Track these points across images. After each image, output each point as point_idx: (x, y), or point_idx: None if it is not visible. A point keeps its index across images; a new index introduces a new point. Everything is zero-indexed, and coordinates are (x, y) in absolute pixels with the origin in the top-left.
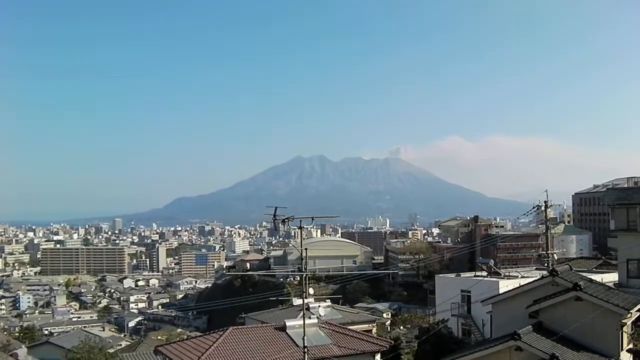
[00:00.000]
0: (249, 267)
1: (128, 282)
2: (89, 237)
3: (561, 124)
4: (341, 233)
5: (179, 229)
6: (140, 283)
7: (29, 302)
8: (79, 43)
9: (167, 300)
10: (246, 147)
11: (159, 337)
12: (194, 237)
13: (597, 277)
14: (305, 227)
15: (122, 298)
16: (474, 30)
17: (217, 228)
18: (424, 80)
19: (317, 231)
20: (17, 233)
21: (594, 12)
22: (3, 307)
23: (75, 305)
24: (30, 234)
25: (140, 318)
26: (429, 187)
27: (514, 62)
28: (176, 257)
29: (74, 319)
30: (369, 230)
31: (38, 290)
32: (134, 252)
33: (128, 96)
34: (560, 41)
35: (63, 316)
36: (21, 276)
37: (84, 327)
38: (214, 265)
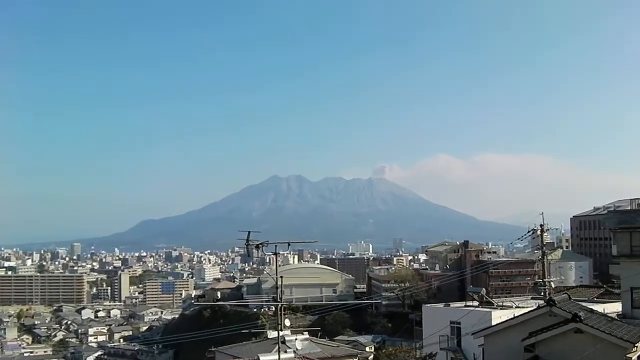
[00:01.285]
0: (219, 297)
1: (87, 313)
2: (44, 264)
3: (557, 141)
4: (320, 259)
5: (144, 254)
6: (101, 314)
7: None
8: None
9: (130, 332)
10: (218, 165)
11: None
12: (160, 263)
13: (598, 307)
14: (281, 252)
15: (80, 330)
16: (464, 40)
17: (186, 254)
18: (410, 94)
19: (294, 257)
20: None
21: (601, 35)
22: None
23: (27, 338)
24: None
25: (99, 352)
26: (415, 209)
27: (505, 75)
28: (140, 286)
29: (25, 354)
30: (351, 257)
31: None
32: (94, 279)
33: (90, 108)
34: (555, 54)
35: (13, 351)
36: None
37: None
38: (181, 294)
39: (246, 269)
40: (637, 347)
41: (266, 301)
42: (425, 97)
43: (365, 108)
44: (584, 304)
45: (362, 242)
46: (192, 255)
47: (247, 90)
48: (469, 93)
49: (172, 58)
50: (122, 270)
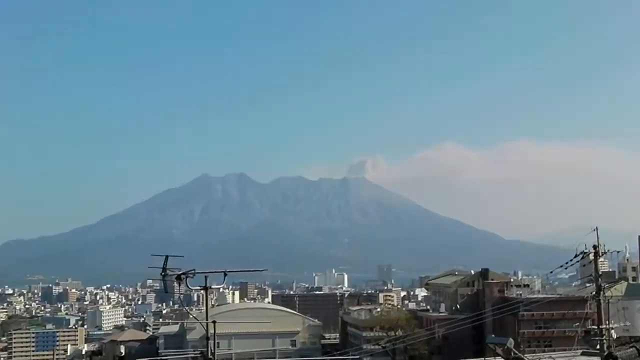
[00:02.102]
0: (124, 353)
1: None
2: None
3: (617, 123)
4: (273, 296)
5: (9, 291)
6: None
7: None
8: None
9: None
10: (121, 161)
11: None
12: (34, 304)
13: None
14: (214, 286)
15: None
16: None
17: (73, 290)
18: (404, 59)
19: (233, 293)
20: None
21: None
22: None
23: None
24: None
25: None
26: (410, 223)
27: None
28: (4, 337)
29: None
30: (317, 293)
31: None
32: None
33: None
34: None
35: None
36: None
37: None
38: (66, 351)
39: (164, 312)
40: None
41: (192, 358)
42: (426, 68)
43: (337, 85)
44: None
45: (334, 271)
46: (82, 292)
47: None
48: (492, 62)
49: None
50: None
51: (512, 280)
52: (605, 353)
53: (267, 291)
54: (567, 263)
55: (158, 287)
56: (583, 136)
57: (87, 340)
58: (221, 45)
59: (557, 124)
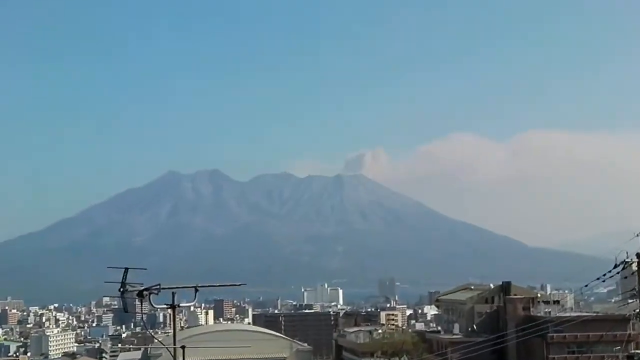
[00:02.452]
0: None
1: None
2: None
3: None
4: (254, 316)
5: None
6: None
7: None
8: None
9: None
10: (73, 156)
11: None
12: None
13: None
14: (184, 304)
15: None
16: None
17: (14, 310)
18: (408, 32)
19: (207, 312)
20: None
21: None
22: None
23: None
24: None
25: None
26: (416, 228)
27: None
28: None
29: None
30: (307, 311)
31: None
32: None
33: None
34: None
35: None
36: None
37: None
38: None
39: (123, 335)
40: None
41: None
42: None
43: (329, 63)
44: None
45: (326, 285)
46: (25, 313)
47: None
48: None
49: None
50: None
51: (539, 295)
52: None
53: (247, 310)
54: (605, 275)
55: (116, 306)
56: (622, 127)
57: None
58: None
59: (589, 111)
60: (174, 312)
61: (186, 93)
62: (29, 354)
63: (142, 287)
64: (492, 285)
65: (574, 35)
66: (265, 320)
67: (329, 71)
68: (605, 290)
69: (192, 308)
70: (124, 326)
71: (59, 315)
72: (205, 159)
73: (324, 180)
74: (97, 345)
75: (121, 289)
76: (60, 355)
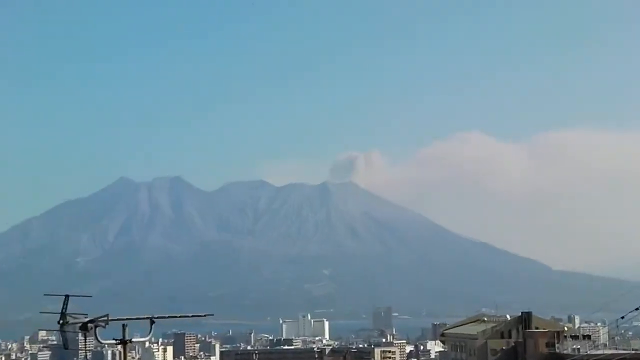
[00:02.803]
0: None
1: None
2: None
3: None
4: (221, 353)
5: None
6: None
7: None
8: None
9: None
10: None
11: None
12: None
13: None
14: (136, 339)
15: None
16: None
17: None
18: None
19: (164, 349)
20: None
21: None
22: None
23: None
24: None
25: None
26: (417, 247)
27: None
28: None
29: None
30: (286, 348)
31: None
32: None
33: None
34: None
35: None
36: None
37: None
38: None
39: None
40: None
41: None
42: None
43: (314, 47)
44: None
45: (309, 316)
46: None
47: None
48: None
49: None
50: None
51: (565, 328)
52: None
53: (214, 346)
54: None
55: (55, 342)
56: None
57: None
58: None
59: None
60: (124, 349)
61: (141, 83)
62: None
63: (87, 319)
64: (509, 317)
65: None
66: (235, 358)
67: (310, 60)
68: None
69: (147, 344)
70: None
71: None
72: (165, 163)
73: (306, 190)
74: None
75: (61, 321)
76: None
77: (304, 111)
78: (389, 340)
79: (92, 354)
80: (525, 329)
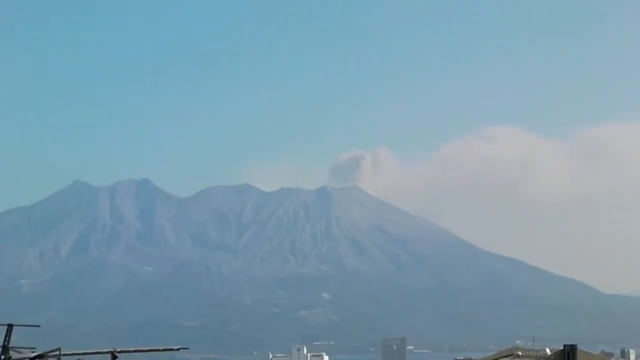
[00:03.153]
0: None
1: None
2: None
3: None
4: None
5: None
6: None
7: None
8: None
9: None
10: None
11: None
12: None
13: None
14: None
15: None
16: None
17: None
18: None
19: None
20: None
21: None
22: None
23: None
24: None
25: None
26: (436, 266)
27: None
28: None
29: None
30: None
31: None
32: None
33: None
34: None
35: None
36: None
37: None
38: None
39: None
40: None
41: None
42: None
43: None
44: None
45: (305, 350)
46: None
47: None
48: None
49: None
50: None
51: None
52: None
53: None
54: None
55: None
56: None
57: None
58: None
59: None
60: None
61: (103, 68)
62: None
63: (34, 353)
64: (548, 351)
65: None
66: None
67: (306, 42)
68: None
69: None
70: None
71: None
72: (131, 164)
73: (301, 196)
74: None
75: (2, 356)
76: None
77: (299, 102)
78: None
79: None
80: None
